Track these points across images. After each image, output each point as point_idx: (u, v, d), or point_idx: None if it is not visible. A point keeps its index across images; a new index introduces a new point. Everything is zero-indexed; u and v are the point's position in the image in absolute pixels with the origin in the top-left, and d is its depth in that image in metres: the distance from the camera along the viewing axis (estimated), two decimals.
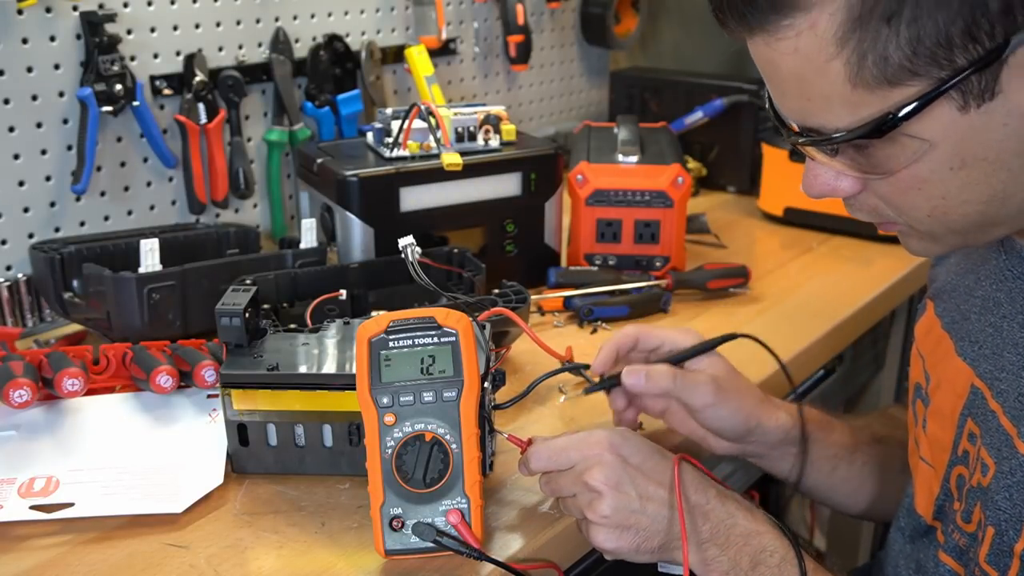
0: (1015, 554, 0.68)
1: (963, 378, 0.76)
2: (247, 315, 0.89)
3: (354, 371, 0.77)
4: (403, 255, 1.01)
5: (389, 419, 0.76)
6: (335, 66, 1.47)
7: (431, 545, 0.76)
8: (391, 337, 0.76)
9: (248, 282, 1.05)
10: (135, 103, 1.25)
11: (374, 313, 0.81)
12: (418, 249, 1.06)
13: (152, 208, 1.34)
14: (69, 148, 1.23)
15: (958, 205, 0.66)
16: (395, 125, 1.24)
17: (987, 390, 0.73)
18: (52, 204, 1.23)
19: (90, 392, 0.96)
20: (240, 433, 0.88)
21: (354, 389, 0.77)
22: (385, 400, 0.76)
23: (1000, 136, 0.62)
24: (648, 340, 0.93)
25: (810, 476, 0.93)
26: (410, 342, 0.76)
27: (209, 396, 0.98)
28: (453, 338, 0.77)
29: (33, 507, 0.83)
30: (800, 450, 0.91)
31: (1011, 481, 0.69)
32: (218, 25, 1.35)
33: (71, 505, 0.83)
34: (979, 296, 0.78)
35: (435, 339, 0.77)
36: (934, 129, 0.62)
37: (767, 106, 0.69)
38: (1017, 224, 0.69)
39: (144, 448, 0.91)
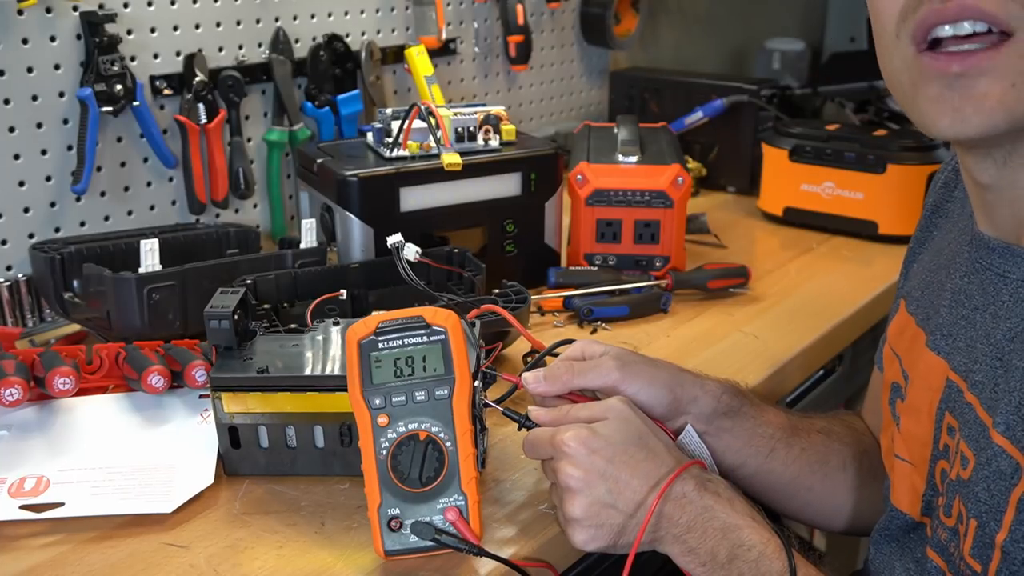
0: (996, 545, 0.67)
1: (938, 372, 0.76)
2: (236, 317, 0.89)
3: (344, 372, 0.77)
4: (392, 253, 1.01)
5: (382, 420, 0.76)
6: (335, 66, 1.48)
7: (430, 544, 0.76)
8: (380, 338, 0.76)
9: (248, 282, 1.06)
10: (135, 103, 1.25)
11: (375, 313, 0.81)
12: (418, 249, 1.07)
13: (152, 208, 1.34)
14: (69, 148, 1.23)
15: None
16: (395, 125, 1.24)
17: (962, 383, 0.73)
18: (52, 204, 1.23)
19: (83, 392, 0.96)
20: (231, 435, 0.88)
21: (345, 390, 0.77)
22: (377, 401, 0.76)
23: None
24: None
25: (749, 458, 0.90)
26: (400, 342, 0.76)
27: (201, 396, 0.98)
28: (442, 336, 0.77)
29: (23, 507, 0.83)
30: (733, 426, 0.89)
31: (988, 472, 0.68)
32: (218, 25, 1.35)
33: (61, 505, 0.83)
34: (949, 289, 0.78)
35: (424, 338, 0.77)
36: None
37: None
38: None
39: (135, 448, 0.91)
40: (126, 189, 1.31)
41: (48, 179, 1.22)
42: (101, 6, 1.22)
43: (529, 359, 1.08)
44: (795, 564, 0.73)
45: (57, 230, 1.24)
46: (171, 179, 1.35)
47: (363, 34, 1.52)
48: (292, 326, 1.01)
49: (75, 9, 1.20)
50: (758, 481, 0.92)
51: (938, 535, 0.75)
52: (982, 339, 0.72)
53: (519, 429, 0.84)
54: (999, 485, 0.67)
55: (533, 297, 1.18)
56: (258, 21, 1.39)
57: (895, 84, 0.71)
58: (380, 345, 0.76)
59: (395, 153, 1.23)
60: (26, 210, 1.21)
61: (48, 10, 1.18)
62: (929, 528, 0.78)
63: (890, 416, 0.85)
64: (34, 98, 1.19)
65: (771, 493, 0.94)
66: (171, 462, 0.89)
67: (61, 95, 1.21)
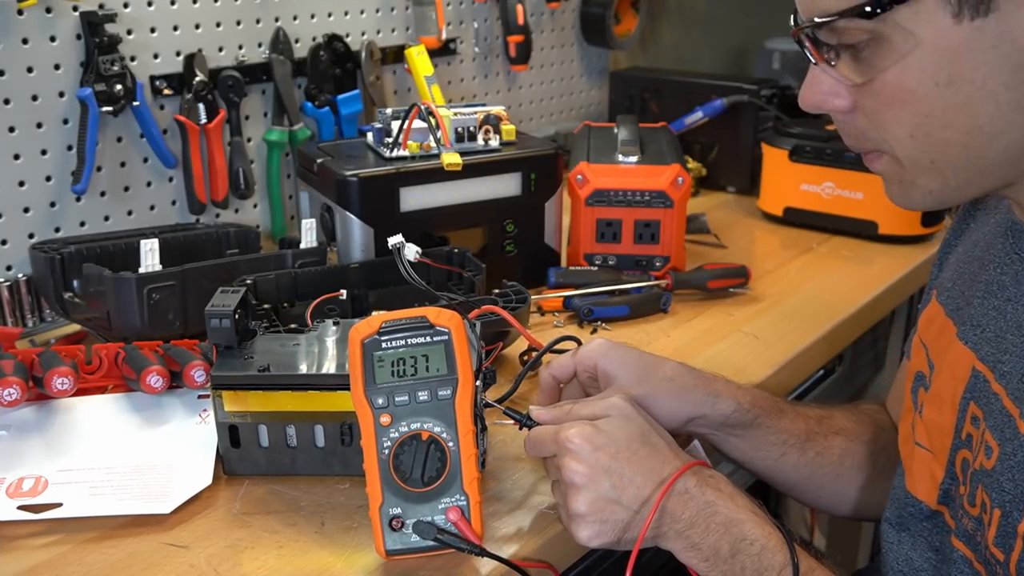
0: (1019, 534, 0.68)
1: (964, 362, 0.76)
2: (237, 316, 0.89)
3: (345, 371, 0.77)
4: (394, 254, 1.01)
5: (385, 420, 0.76)
6: (335, 66, 1.47)
7: (432, 543, 0.76)
8: (384, 338, 0.76)
9: (248, 282, 1.05)
10: (135, 103, 1.25)
11: (377, 313, 0.81)
12: (418, 249, 1.07)
13: (152, 208, 1.34)
14: (69, 148, 1.23)
15: (940, 128, 0.67)
16: (395, 125, 1.24)
17: (989, 373, 0.73)
18: (52, 204, 1.23)
19: (82, 392, 0.96)
20: (231, 435, 0.88)
21: (346, 389, 0.77)
22: (380, 401, 0.76)
23: (989, 58, 0.63)
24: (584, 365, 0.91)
25: (757, 460, 0.92)
26: (403, 342, 0.76)
27: (200, 397, 0.98)
28: (446, 337, 0.77)
29: (21, 507, 0.83)
30: (743, 434, 0.90)
31: (1014, 462, 0.69)
32: (218, 25, 1.35)
33: (59, 506, 0.83)
34: (983, 281, 0.78)
35: (428, 338, 0.77)
36: (924, 28, 0.64)
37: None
38: (1005, 177, 0.70)
39: (133, 448, 0.91)
40: (126, 189, 1.31)
41: (48, 179, 1.22)
42: (101, 6, 1.22)
43: (526, 358, 1.08)
44: (797, 557, 0.74)
45: (57, 230, 1.24)
46: (171, 179, 1.35)
47: (363, 34, 1.52)
48: (292, 326, 1.01)
49: (75, 9, 1.20)
50: (765, 477, 0.93)
51: (963, 524, 0.75)
52: (1013, 330, 0.72)
53: (520, 428, 0.84)
54: None
55: (533, 297, 1.18)
56: (258, 21, 1.39)
57: None
58: (383, 345, 0.76)
59: (395, 153, 1.23)
60: (26, 210, 1.21)
61: (48, 10, 1.18)
62: (951, 518, 0.78)
63: (911, 404, 0.86)
64: (34, 98, 1.19)
65: (778, 487, 0.94)
66: (169, 463, 0.89)
67: (61, 95, 1.21)
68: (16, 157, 1.19)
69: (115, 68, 1.22)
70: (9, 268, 1.20)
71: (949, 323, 0.81)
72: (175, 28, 1.31)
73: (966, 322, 0.78)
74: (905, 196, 0.73)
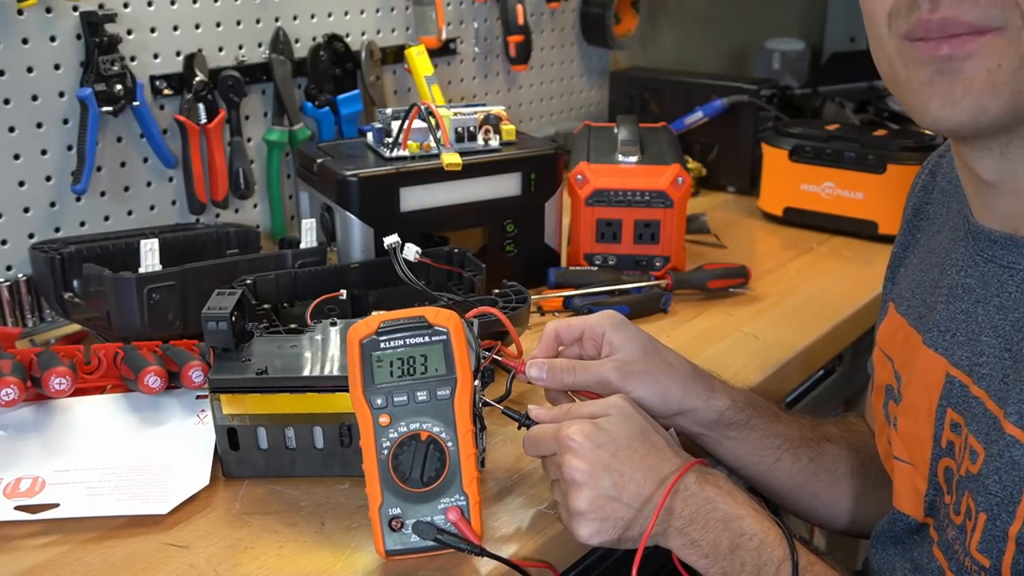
0: (1010, 537, 0.66)
1: (936, 369, 0.76)
2: (234, 318, 0.89)
3: (344, 372, 0.77)
4: (389, 254, 1.01)
5: (384, 420, 0.76)
6: (335, 66, 1.47)
7: (432, 543, 0.76)
8: (382, 338, 0.76)
9: (248, 282, 1.05)
10: (135, 103, 1.25)
11: (376, 313, 0.81)
12: (418, 249, 1.07)
13: (152, 208, 1.34)
14: (69, 148, 1.23)
15: None
16: (395, 125, 1.24)
17: (966, 377, 0.72)
18: (52, 204, 1.23)
19: (80, 392, 0.96)
20: (230, 437, 0.88)
21: (344, 390, 0.77)
22: (379, 401, 0.76)
23: None
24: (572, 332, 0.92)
25: (752, 465, 0.91)
26: (401, 342, 0.76)
27: (198, 397, 0.98)
28: (444, 337, 0.77)
29: (18, 507, 0.83)
30: (738, 435, 0.90)
31: (1000, 463, 0.67)
32: (218, 25, 1.35)
33: (56, 506, 0.83)
34: (945, 286, 0.78)
35: (426, 338, 0.77)
36: None
37: None
38: None
39: (131, 449, 0.91)
40: (126, 189, 1.31)
41: (48, 179, 1.22)
42: (101, 6, 1.22)
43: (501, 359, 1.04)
44: (796, 552, 0.73)
45: (57, 230, 1.24)
46: (171, 179, 1.35)
47: (363, 34, 1.52)
48: (292, 326, 1.01)
49: (75, 9, 1.20)
50: (760, 484, 0.93)
51: (946, 535, 0.75)
52: (987, 332, 0.71)
53: (519, 428, 0.84)
54: (1012, 476, 0.67)
55: (533, 297, 1.18)
56: (258, 21, 1.39)
57: (889, 72, 0.72)
58: (382, 345, 0.76)
59: (395, 153, 1.23)
60: (26, 210, 1.21)
61: (48, 10, 1.18)
62: (934, 529, 0.77)
63: (884, 419, 0.85)
64: (34, 98, 1.19)
65: (774, 496, 0.94)
66: (167, 463, 0.89)
67: (61, 95, 1.21)
68: (16, 157, 1.19)
69: (115, 68, 1.22)
70: (9, 268, 1.20)
71: (913, 332, 0.81)
72: (175, 28, 1.31)
73: (932, 329, 0.78)
74: (992, 84, 0.65)
